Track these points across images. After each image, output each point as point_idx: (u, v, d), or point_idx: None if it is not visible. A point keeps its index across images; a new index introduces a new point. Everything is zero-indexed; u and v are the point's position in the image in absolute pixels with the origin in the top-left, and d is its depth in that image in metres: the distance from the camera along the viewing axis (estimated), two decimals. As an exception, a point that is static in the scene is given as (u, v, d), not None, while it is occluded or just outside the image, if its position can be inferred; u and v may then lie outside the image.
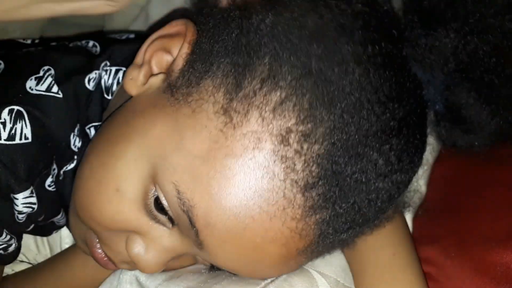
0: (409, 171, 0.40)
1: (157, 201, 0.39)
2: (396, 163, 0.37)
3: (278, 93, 0.35)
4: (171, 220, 0.39)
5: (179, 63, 0.40)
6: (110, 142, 0.42)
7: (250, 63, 0.36)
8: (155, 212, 0.39)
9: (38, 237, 0.61)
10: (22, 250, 0.62)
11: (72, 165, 0.48)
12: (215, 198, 0.36)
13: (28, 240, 0.61)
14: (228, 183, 0.35)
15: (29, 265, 0.60)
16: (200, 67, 0.38)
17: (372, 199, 0.37)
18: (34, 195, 0.44)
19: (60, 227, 0.57)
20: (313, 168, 0.35)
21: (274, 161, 0.35)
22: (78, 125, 0.47)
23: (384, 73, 0.36)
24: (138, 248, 0.41)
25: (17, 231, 0.47)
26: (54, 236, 0.60)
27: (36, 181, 0.44)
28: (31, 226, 0.49)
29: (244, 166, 0.35)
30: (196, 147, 0.36)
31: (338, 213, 0.36)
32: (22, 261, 0.60)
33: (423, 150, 0.41)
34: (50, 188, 0.47)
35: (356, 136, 0.35)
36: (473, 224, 0.50)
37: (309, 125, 0.35)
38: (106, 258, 0.45)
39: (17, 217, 0.45)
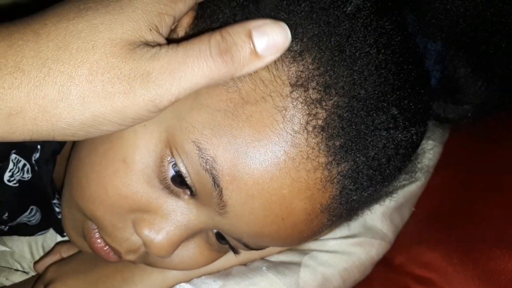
0: (422, 128, 0.40)
1: (173, 169, 0.37)
2: (412, 118, 0.38)
3: (299, 45, 0.35)
4: (189, 189, 0.37)
5: (184, 22, 0.38)
6: None
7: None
8: (169, 182, 0.37)
9: (33, 244, 0.60)
10: (17, 258, 0.61)
11: (38, 154, 0.45)
12: (240, 148, 0.35)
13: (23, 247, 0.60)
14: (252, 130, 0.35)
15: (24, 274, 0.59)
16: (206, 24, 0.37)
17: (391, 154, 0.38)
18: None
19: (43, 228, 0.55)
20: (334, 118, 0.35)
21: (294, 106, 0.34)
22: None
23: (396, 37, 0.37)
24: (149, 227, 0.39)
25: None
26: (49, 242, 0.60)
27: None
28: (4, 227, 0.48)
29: (264, 112, 0.34)
30: (213, 101, 0.35)
31: (358, 166, 0.36)
32: (17, 270, 0.60)
33: (428, 113, 0.42)
34: (10, 183, 0.45)
35: (375, 91, 0.36)
36: (477, 231, 0.49)
37: (328, 77, 0.35)
38: (107, 249, 0.42)
39: None
